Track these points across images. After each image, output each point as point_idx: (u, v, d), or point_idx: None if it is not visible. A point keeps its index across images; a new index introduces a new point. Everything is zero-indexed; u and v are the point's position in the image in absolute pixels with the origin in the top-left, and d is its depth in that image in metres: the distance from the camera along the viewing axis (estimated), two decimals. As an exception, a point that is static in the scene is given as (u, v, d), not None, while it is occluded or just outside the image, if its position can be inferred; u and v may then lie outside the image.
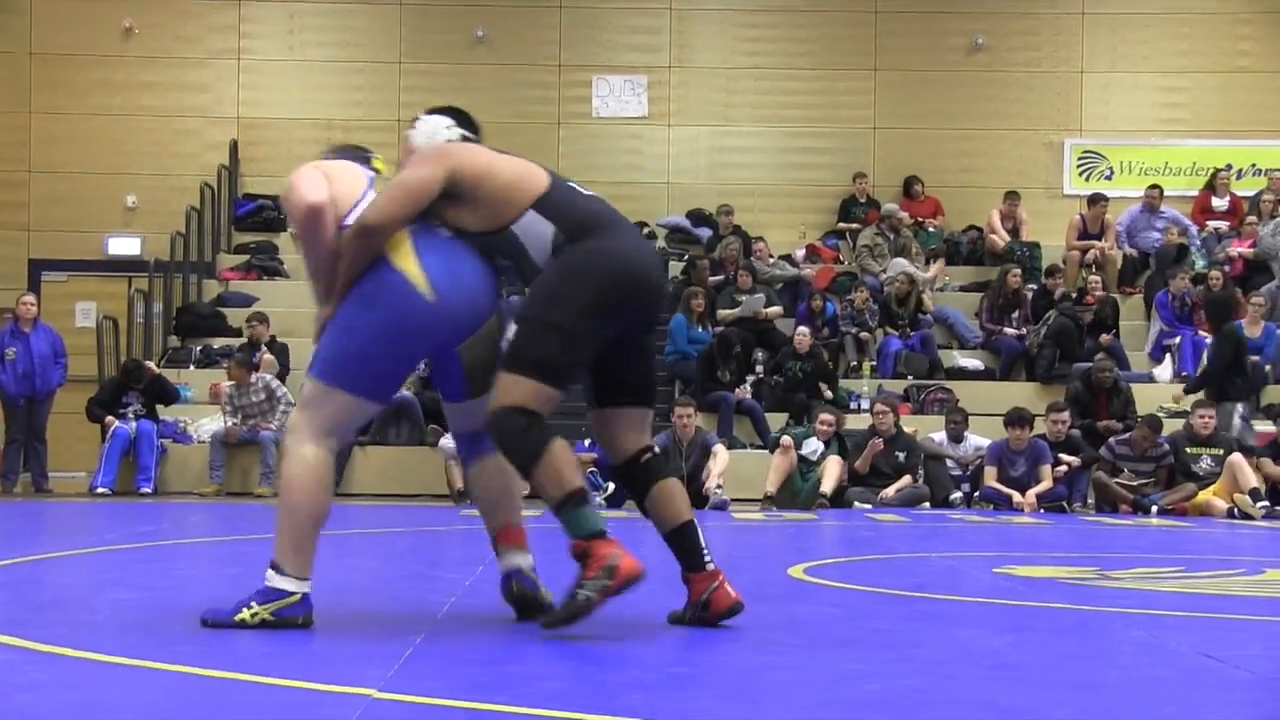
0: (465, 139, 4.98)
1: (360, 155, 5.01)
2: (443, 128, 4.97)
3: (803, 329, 15.40)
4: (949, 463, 13.82)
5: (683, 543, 4.58)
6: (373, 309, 4.49)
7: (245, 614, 4.43)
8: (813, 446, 13.35)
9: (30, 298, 14.74)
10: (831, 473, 12.96)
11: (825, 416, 13.59)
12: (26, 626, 4.32)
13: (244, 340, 15.67)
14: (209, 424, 14.69)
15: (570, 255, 4.55)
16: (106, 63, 18.59)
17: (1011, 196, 18.06)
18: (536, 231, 4.60)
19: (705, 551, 4.57)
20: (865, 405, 14.97)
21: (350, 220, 4.59)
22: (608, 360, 4.57)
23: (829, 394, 14.97)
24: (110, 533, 9.18)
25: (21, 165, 18.49)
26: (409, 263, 4.52)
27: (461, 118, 5.06)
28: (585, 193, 4.82)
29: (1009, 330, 16.26)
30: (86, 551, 7.55)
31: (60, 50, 18.56)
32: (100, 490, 13.57)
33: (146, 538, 8.57)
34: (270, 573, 4.47)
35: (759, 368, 15.56)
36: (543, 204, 4.63)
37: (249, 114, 18.78)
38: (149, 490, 13.74)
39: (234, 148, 18.53)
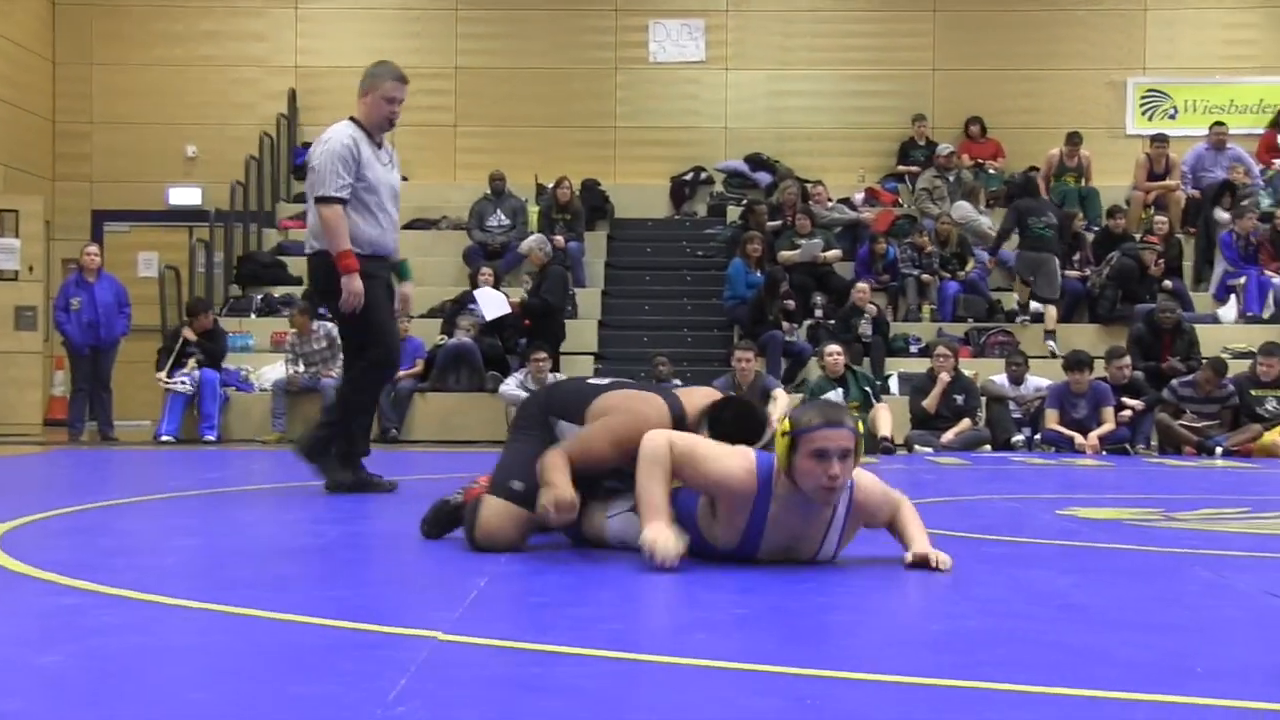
0: None
1: None
2: None
3: (861, 284, 15.31)
4: (1010, 405, 13.75)
5: None
6: None
7: None
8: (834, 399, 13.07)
9: (94, 248, 14.88)
10: (884, 418, 12.83)
11: (832, 347, 13.28)
12: (96, 571, 4.37)
13: (307, 288, 15.75)
14: (271, 372, 14.81)
15: None
16: (166, 13, 18.69)
17: (1073, 138, 17.80)
18: None
19: None
20: (920, 349, 14.96)
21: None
22: None
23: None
24: (175, 480, 9.27)
25: (84, 117, 18.63)
26: None
27: None
28: None
29: (1070, 272, 16.12)
30: (152, 498, 7.63)
31: (121, 2, 18.64)
32: (164, 438, 13.72)
33: (211, 484, 8.65)
34: None
35: (818, 311, 15.50)
36: None
37: (306, 63, 18.83)
38: (212, 438, 13.88)
39: (292, 96, 18.59)
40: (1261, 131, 18.39)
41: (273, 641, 3.40)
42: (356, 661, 3.13)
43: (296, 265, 16.83)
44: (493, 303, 14.74)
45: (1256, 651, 3.40)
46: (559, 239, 16.41)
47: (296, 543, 5.54)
